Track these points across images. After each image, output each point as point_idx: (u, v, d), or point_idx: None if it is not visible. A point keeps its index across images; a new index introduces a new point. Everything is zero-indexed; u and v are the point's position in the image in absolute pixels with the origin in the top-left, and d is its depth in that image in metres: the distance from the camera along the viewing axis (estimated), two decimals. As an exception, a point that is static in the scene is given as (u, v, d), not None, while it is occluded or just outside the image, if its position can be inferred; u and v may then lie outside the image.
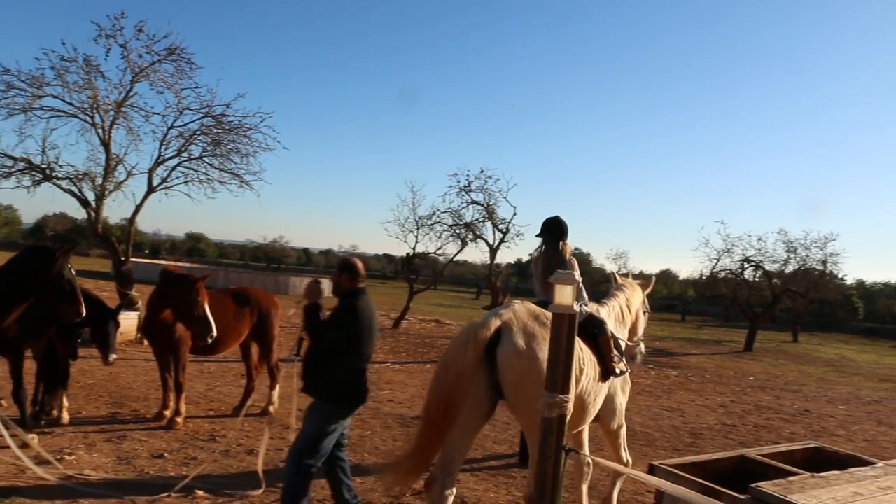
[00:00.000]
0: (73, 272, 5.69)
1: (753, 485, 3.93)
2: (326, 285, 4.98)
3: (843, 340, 40.14)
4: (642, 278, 6.21)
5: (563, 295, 3.12)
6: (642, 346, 5.77)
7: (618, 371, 4.84)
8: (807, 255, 26.23)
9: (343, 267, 4.61)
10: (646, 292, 5.96)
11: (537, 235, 5.18)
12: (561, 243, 5.05)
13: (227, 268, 55.26)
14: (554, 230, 5.07)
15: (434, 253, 24.14)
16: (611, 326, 4.93)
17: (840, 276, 29.41)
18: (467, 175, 20.68)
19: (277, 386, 8.07)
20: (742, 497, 3.83)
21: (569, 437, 4.13)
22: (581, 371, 4.27)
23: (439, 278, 25.35)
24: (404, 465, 3.87)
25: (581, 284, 4.51)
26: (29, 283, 5.42)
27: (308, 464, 4.26)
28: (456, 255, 23.97)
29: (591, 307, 4.97)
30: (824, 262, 26.70)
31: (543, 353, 3.70)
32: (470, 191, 20.76)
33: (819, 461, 5.33)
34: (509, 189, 20.22)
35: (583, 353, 4.37)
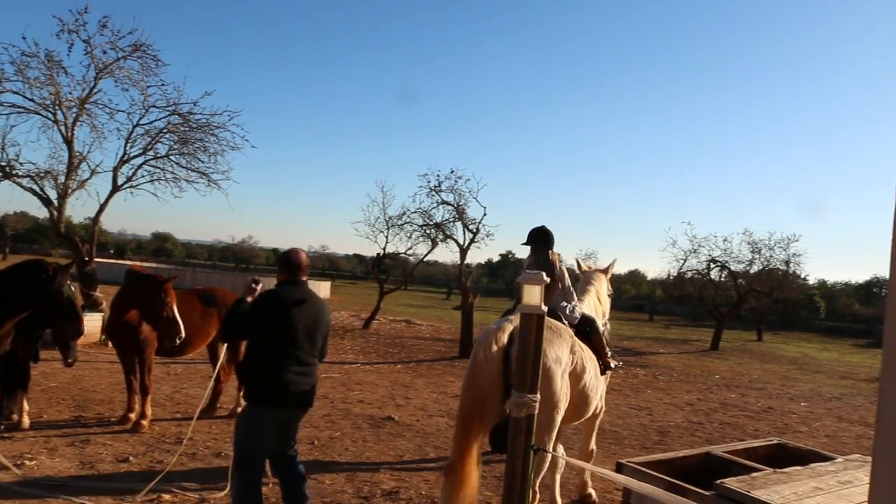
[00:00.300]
0: (73, 289, 5.66)
1: (718, 481, 4.00)
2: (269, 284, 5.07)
3: (805, 339, 41.04)
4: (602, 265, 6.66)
5: (531, 295, 3.14)
6: (608, 325, 6.13)
7: (612, 365, 5.24)
8: (770, 256, 26.87)
9: (278, 259, 4.57)
10: (608, 277, 6.37)
11: (524, 244, 5.42)
12: (550, 251, 5.32)
13: (195, 268, 54.54)
14: (542, 239, 5.33)
15: (404, 253, 24.12)
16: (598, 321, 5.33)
17: (803, 276, 30.19)
18: (437, 175, 20.71)
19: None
20: (707, 493, 3.90)
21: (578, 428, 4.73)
22: (584, 369, 4.64)
23: (409, 278, 25.33)
24: (459, 472, 4.00)
25: (572, 289, 5.19)
26: (26, 298, 5.38)
27: (244, 476, 4.04)
28: (426, 255, 23.99)
29: (581, 307, 5.31)
30: (787, 263, 27.37)
31: (553, 352, 4.28)
32: (440, 191, 20.77)
33: (782, 457, 5.45)
34: (479, 189, 20.24)
35: (583, 351, 4.70)
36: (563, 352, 4.42)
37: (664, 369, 17.34)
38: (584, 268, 6.30)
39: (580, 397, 4.66)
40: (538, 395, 3.21)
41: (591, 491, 5.79)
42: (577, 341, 4.67)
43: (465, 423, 4.09)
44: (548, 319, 4.16)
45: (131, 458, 5.93)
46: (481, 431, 4.18)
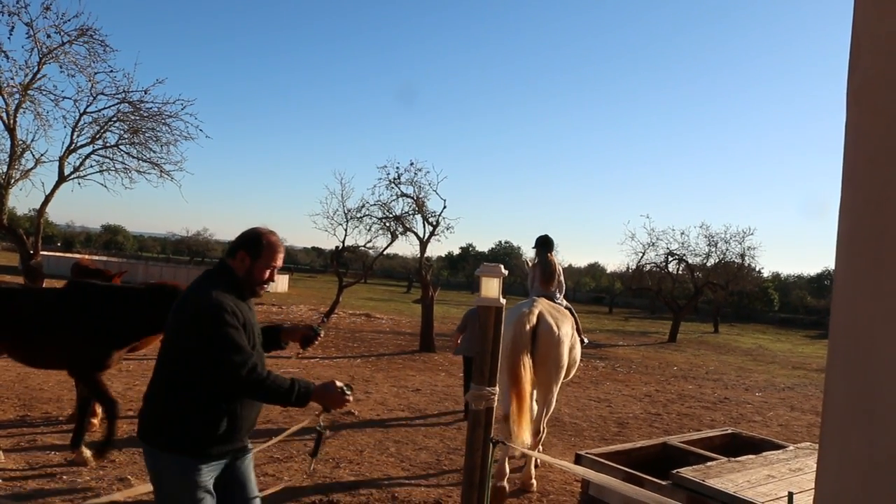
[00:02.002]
0: None
1: (674, 471, 4.10)
2: None
3: (760, 330, 42.15)
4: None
5: (490, 288, 3.15)
6: None
7: (586, 341, 6.76)
8: (726, 249, 27.52)
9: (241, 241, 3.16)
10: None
11: (535, 246, 6.85)
12: (549, 254, 6.70)
13: (148, 262, 53.40)
14: (546, 245, 6.75)
15: (364, 246, 23.94)
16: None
17: (757, 269, 30.94)
18: (397, 167, 20.59)
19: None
20: (664, 483, 3.99)
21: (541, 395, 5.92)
22: (575, 342, 6.21)
23: (369, 272, 25.20)
24: (515, 422, 5.17)
25: (562, 279, 6.74)
26: (159, 322, 5.32)
27: None
28: (386, 248, 23.84)
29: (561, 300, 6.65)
30: (742, 256, 28.04)
31: (563, 329, 5.85)
32: (399, 183, 20.66)
33: (736, 446, 5.59)
34: (439, 182, 20.42)
35: (573, 331, 6.16)
36: (568, 328, 6.02)
37: (623, 361, 17.62)
38: (553, 259, 7.15)
39: (571, 363, 6.16)
40: (497, 389, 3.23)
41: (534, 481, 6.12)
42: (568, 321, 6.16)
43: (515, 381, 5.36)
44: (553, 304, 6.19)
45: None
46: (528, 386, 5.47)
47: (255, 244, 2.82)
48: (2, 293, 5.68)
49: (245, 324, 2.70)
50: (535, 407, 5.93)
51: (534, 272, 6.82)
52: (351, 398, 2.76)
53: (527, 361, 5.51)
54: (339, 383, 2.72)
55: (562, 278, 6.77)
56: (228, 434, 2.71)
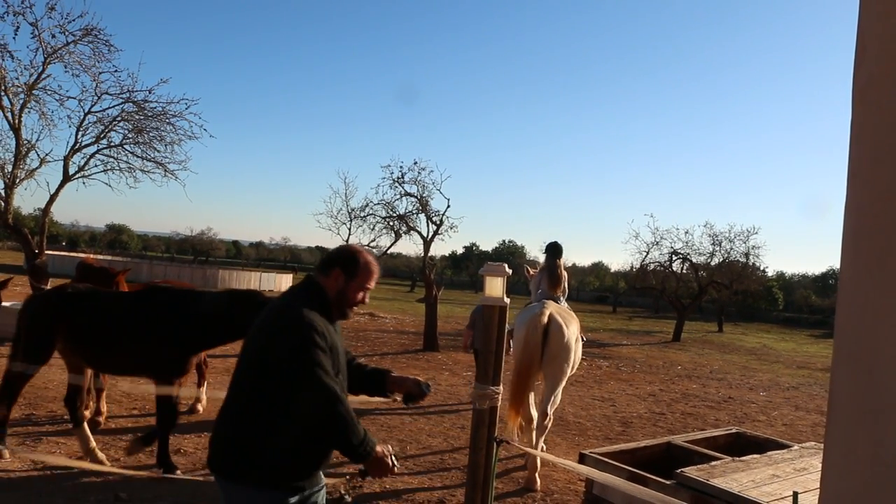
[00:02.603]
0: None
1: (678, 470, 4.09)
2: None
3: (764, 330, 42.05)
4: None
5: (494, 287, 3.15)
6: None
7: (584, 339, 7.34)
8: (731, 248, 27.38)
9: (334, 257, 2.80)
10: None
11: (546, 251, 7.32)
12: (558, 260, 7.11)
13: (152, 261, 53.46)
14: (555, 251, 7.16)
15: (367, 245, 24.00)
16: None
17: (762, 268, 30.86)
18: (400, 166, 20.62)
19: (206, 383, 7.90)
20: (668, 482, 3.98)
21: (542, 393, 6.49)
22: (578, 340, 6.74)
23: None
24: (510, 404, 6.04)
25: (566, 284, 7.22)
26: (235, 330, 5.30)
27: None
28: (389, 247, 23.83)
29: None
30: (747, 255, 27.91)
31: (570, 329, 6.44)
32: (403, 182, 20.67)
33: (740, 446, 5.58)
34: (443, 181, 20.29)
35: (578, 331, 6.73)
36: (575, 328, 6.62)
37: (627, 361, 17.60)
38: (560, 265, 7.60)
39: (575, 359, 6.72)
40: (500, 388, 3.22)
41: (538, 477, 6.27)
42: (574, 321, 6.74)
43: (519, 377, 6.13)
44: (560, 307, 6.74)
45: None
46: (529, 383, 6.24)
47: (352, 263, 2.59)
48: (78, 296, 5.59)
49: (332, 347, 2.46)
50: (542, 398, 6.54)
51: (541, 276, 7.21)
52: (396, 469, 2.57)
53: (535, 359, 6.17)
54: (390, 452, 2.50)
55: (565, 283, 7.28)
56: (315, 464, 2.51)
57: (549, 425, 6.57)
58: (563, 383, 6.55)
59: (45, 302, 5.62)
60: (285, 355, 2.34)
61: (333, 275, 2.57)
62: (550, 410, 6.44)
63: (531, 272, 7.67)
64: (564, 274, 7.25)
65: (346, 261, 2.60)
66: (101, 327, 5.43)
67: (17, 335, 5.69)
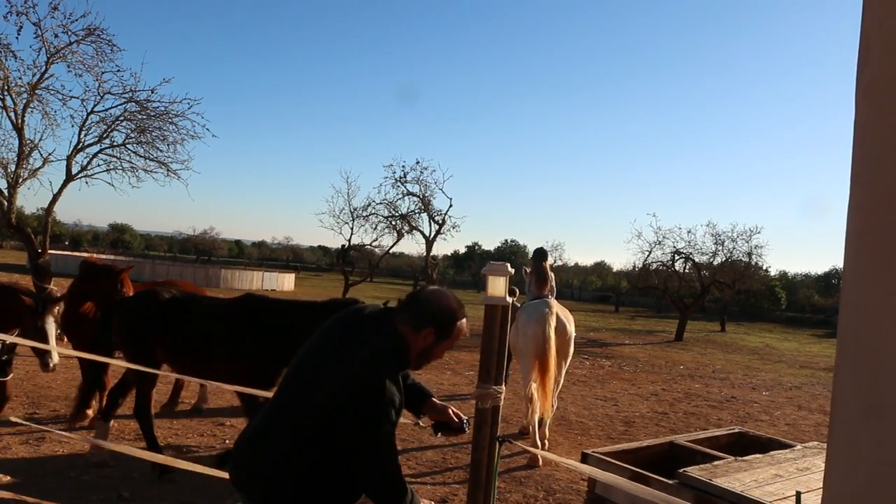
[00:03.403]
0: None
1: (681, 470, 4.09)
2: None
3: (767, 329, 41.99)
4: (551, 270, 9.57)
5: (496, 286, 3.15)
6: None
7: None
8: (733, 248, 27.33)
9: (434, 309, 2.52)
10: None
11: (533, 258, 8.42)
12: (544, 263, 8.21)
13: (154, 260, 53.62)
14: (541, 256, 8.32)
15: (370, 245, 24.05)
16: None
17: (764, 267, 30.78)
18: (403, 166, 20.70)
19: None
20: (670, 482, 3.98)
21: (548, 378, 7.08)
22: (572, 334, 7.79)
23: (375, 270, 25.25)
24: (540, 393, 7.00)
25: (553, 284, 8.21)
26: None
27: None
28: (392, 246, 23.95)
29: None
30: (749, 254, 27.87)
31: (570, 325, 7.70)
32: (405, 182, 20.77)
33: (743, 445, 5.57)
34: (445, 180, 20.31)
35: (569, 323, 7.73)
36: (572, 325, 7.80)
37: (630, 360, 17.59)
38: (547, 267, 8.63)
39: (571, 351, 7.94)
40: (503, 387, 3.23)
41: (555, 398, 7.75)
42: (567, 314, 7.84)
43: (544, 367, 7.00)
44: (557, 304, 7.71)
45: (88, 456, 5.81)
46: (550, 371, 7.03)
47: (448, 325, 2.39)
48: (173, 302, 5.53)
49: (399, 406, 2.29)
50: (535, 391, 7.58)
51: (530, 278, 8.32)
52: None
53: (553, 347, 7.15)
54: None
55: (553, 283, 8.36)
56: None
57: (554, 407, 7.73)
58: (564, 370, 7.85)
59: (142, 309, 5.55)
60: (357, 424, 2.18)
61: (425, 333, 2.36)
62: (555, 399, 7.54)
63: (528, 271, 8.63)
64: (551, 275, 8.33)
65: (442, 321, 2.38)
66: (195, 333, 5.32)
67: (117, 340, 5.70)
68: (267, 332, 5.24)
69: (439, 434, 2.68)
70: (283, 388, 2.41)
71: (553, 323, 7.27)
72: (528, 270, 8.57)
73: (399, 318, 2.38)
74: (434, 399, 2.71)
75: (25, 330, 5.81)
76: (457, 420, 2.65)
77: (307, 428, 2.23)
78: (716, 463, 4.36)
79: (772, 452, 4.86)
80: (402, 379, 2.47)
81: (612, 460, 4.37)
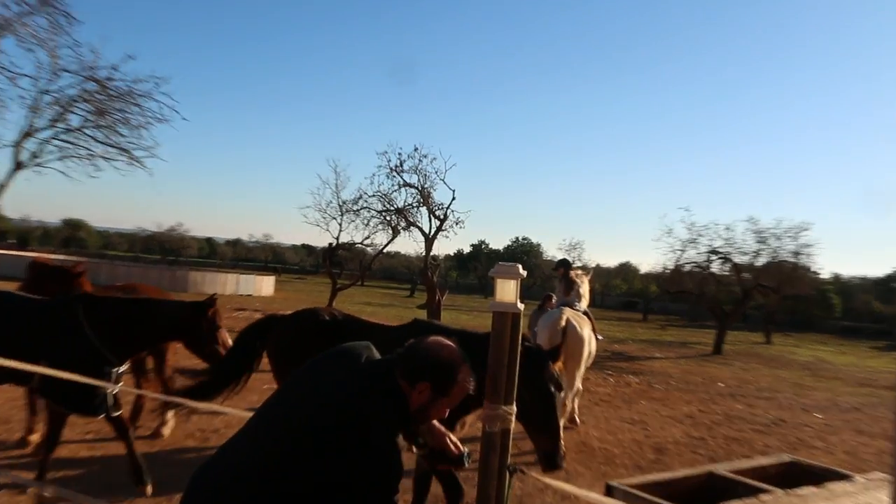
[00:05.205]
0: None
1: (722, 504, 4.03)
2: None
3: (819, 341, 41.97)
4: (584, 270, 12.03)
5: (505, 291, 3.10)
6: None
7: (601, 338, 10.86)
8: (778, 247, 27.13)
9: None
10: (589, 278, 11.35)
11: (555, 269, 11.66)
12: (571, 271, 10.88)
13: (114, 260, 53.67)
14: (566, 264, 11.27)
15: (361, 243, 24.10)
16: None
17: (814, 269, 30.63)
18: (399, 153, 20.66)
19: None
20: (709, 519, 3.93)
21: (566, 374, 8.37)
22: (590, 338, 9.55)
23: (367, 272, 25.25)
24: None
25: (581, 290, 10.48)
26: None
27: None
28: (386, 245, 23.98)
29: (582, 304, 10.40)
30: (797, 254, 27.68)
31: (584, 330, 9.33)
32: (402, 171, 20.76)
33: (794, 476, 5.51)
34: (447, 170, 20.25)
35: (590, 331, 9.54)
36: (588, 330, 9.45)
37: (660, 376, 17.54)
38: (573, 275, 10.88)
39: (588, 355, 9.55)
40: (514, 407, 3.18)
41: (576, 417, 10.18)
42: (589, 322, 9.76)
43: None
44: (574, 312, 9.63)
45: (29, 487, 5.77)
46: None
47: (446, 379, 2.40)
48: (334, 325, 5.55)
49: (400, 466, 2.39)
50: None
51: (560, 285, 10.78)
52: None
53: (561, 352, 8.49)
54: None
55: (582, 290, 10.53)
56: None
57: (570, 406, 9.53)
58: (581, 374, 9.42)
59: (298, 332, 5.58)
60: (360, 481, 2.22)
61: (420, 388, 2.37)
62: (568, 399, 9.14)
63: (574, 274, 10.85)
64: (579, 281, 10.57)
65: (439, 375, 2.38)
66: None
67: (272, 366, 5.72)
68: None
69: (434, 463, 2.68)
70: (255, 424, 2.41)
71: (561, 327, 8.86)
72: (582, 273, 11.09)
73: (398, 370, 2.40)
74: (433, 420, 2.70)
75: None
76: (456, 451, 2.64)
77: (292, 468, 2.21)
78: (762, 497, 4.30)
79: (827, 485, 4.80)
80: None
81: (642, 493, 4.32)
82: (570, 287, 10.46)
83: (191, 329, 5.85)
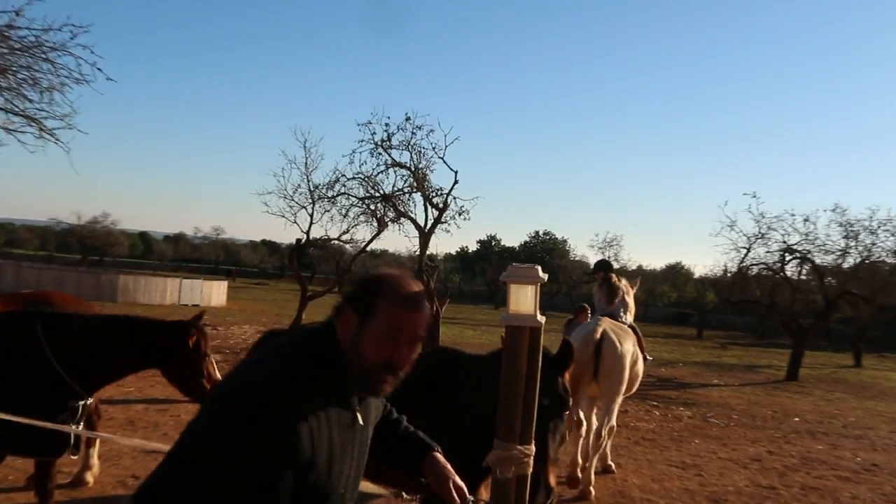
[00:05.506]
0: None
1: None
2: None
3: (924, 364, 41.88)
4: (628, 279, 11.75)
5: (522, 299, 3.12)
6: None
7: (649, 358, 10.87)
8: (873, 244, 26.98)
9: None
10: (634, 291, 11.34)
11: (594, 273, 11.67)
12: (612, 275, 10.87)
13: (20, 261, 53.62)
14: (607, 267, 11.15)
15: (338, 239, 24.01)
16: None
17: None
18: (386, 124, 20.59)
19: (98, 442, 7.87)
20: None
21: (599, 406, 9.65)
22: (637, 357, 9.77)
23: (346, 276, 25.21)
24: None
25: (627, 297, 10.71)
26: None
27: None
28: (370, 241, 23.89)
29: (629, 318, 10.60)
30: (896, 254, 27.54)
31: (625, 346, 9.29)
32: (390, 147, 20.69)
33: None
34: (448, 145, 20.19)
35: (635, 348, 9.68)
36: (630, 345, 9.47)
37: (720, 409, 17.55)
38: (619, 284, 10.89)
39: (633, 377, 9.68)
40: (533, 448, 3.20)
41: (612, 462, 10.26)
42: (630, 337, 9.69)
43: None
44: (616, 323, 9.84)
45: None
46: (574, 398, 7.87)
47: (370, 292, 2.27)
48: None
49: (327, 453, 2.14)
50: (595, 420, 9.81)
51: (599, 292, 10.78)
52: None
53: (585, 375, 8.86)
54: None
55: (627, 297, 10.74)
56: None
57: (605, 443, 9.54)
58: (619, 401, 9.46)
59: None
60: (211, 454, 2.03)
61: (345, 315, 2.29)
62: (605, 430, 9.22)
63: (621, 283, 10.91)
64: (623, 287, 10.72)
65: (361, 290, 2.29)
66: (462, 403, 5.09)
67: None
68: (466, 397, 5.01)
69: None
70: None
71: (595, 341, 9.03)
72: (596, 285, 11.00)
73: (332, 317, 2.38)
74: (437, 455, 2.70)
75: None
76: (458, 498, 2.61)
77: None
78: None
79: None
80: (387, 422, 2.55)
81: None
82: (614, 294, 10.58)
83: (170, 355, 5.84)
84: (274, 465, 2.01)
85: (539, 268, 3.33)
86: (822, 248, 27.02)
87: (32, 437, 5.22)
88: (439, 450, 2.74)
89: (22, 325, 5.46)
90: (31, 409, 5.05)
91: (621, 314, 10.46)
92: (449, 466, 2.69)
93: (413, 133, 20.32)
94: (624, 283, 11.17)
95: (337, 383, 2.22)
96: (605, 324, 9.46)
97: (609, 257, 46.50)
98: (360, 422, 2.30)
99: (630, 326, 10.24)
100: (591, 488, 8.85)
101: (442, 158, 20.28)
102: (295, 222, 22.48)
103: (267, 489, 2.02)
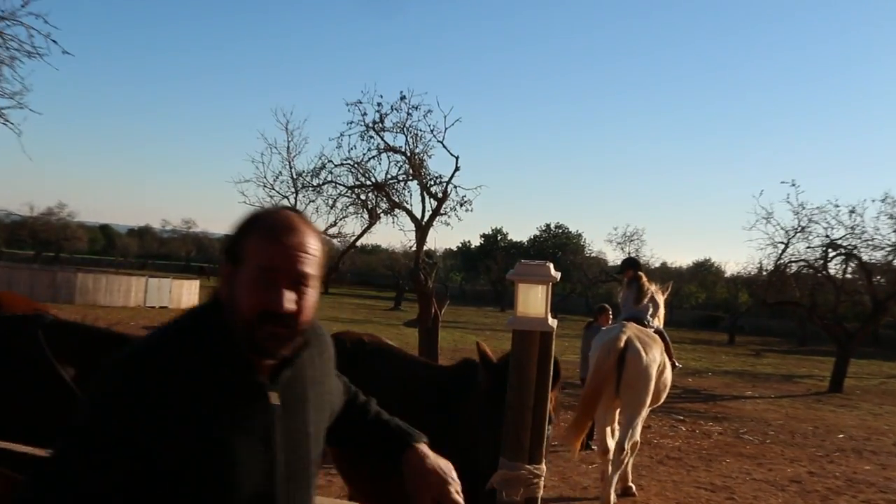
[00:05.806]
0: None
1: None
2: None
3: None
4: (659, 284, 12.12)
5: (530, 299, 3.13)
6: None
7: (678, 365, 11.12)
8: (928, 237, 26.99)
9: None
10: (665, 296, 11.74)
11: (619, 272, 11.96)
12: (641, 274, 11.19)
13: (-34, 259, 53.56)
14: (635, 264, 11.88)
15: (324, 233, 23.97)
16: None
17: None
18: (379, 104, 20.54)
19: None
20: None
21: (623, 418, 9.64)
22: (665, 366, 9.91)
23: (333, 275, 25.22)
24: (573, 430, 9.08)
25: (654, 299, 11.02)
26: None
27: None
28: (360, 235, 23.90)
29: (656, 323, 10.92)
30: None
31: (650, 353, 9.42)
32: (383, 130, 20.65)
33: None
34: (448, 127, 20.13)
35: (662, 355, 9.82)
36: (657, 353, 9.59)
37: (754, 423, 17.56)
38: (646, 281, 11.29)
39: (659, 387, 9.85)
40: (544, 468, 3.21)
41: (632, 484, 10.30)
42: (658, 344, 9.84)
43: (585, 402, 9.19)
44: (641, 328, 9.99)
45: None
46: (594, 410, 9.26)
47: (239, 233, 2.13)
48: (353, 356, 5.52)
49: (196, 434, 1.95)
50: (618, 430, 9.75)
51: (626, 292, 11.17)
52: None
53: (606, 385, 9.17)
54: None
55: (656, 296, 11.05)
56: None
57: (627, 460, 9.67)
58: (644, 414, 9.77)
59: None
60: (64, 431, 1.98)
61: (221, 271, 2.20)
62: (628, 444, 9.36)
63: (649, 285, 11.30)
64: (649, 288, 11.05)
65: (231, 234, 2.15)
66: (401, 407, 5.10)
67: None
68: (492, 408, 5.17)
69: None
70: None
71: (619, 350, 9.14)
72: (623, 285, 11.53)
73: None
74: (422, 448, 2.48)
75: None
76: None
77: None
78: None
79: None
80: (351, 407, 2.47)
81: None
82: (642, 295, 10.89)
83: None
84: (123, 448, 1.88)
85: (550, 265, 3.33)
86: (869, 242, 26.93)
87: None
88: (425, 441, 2.51)
89: (22, 331, 5.35)
90: (44, 425, 5.06)
91: (648, 317, 10.78)
92: (440, 466, 2.45)
93: (409, 114, 20.26)
94: (654, 287, 11.40)
95: (215, 351, 2.04)
96: (630, 330, 9.57)
97: (629, 254, 46.47)
98: (275, 402, 2.06)
99: (657, 332, 10.45)
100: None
101: (441, 142, 20.25)
102: (276, 213, 22.43)
103: (115, 474, 1.89)
